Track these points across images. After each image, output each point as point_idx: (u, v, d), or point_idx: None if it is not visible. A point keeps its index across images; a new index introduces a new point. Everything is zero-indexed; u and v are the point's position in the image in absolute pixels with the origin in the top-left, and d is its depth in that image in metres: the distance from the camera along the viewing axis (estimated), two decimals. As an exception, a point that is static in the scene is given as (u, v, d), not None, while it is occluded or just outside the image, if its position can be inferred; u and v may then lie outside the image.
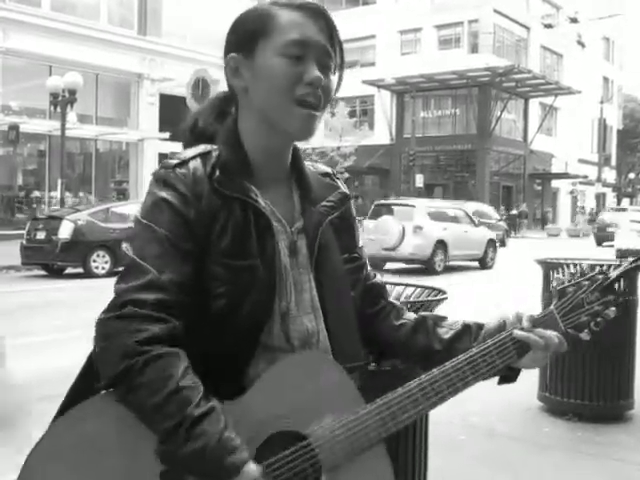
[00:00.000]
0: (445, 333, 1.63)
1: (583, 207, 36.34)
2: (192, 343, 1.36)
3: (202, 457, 1.26)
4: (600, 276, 1.56)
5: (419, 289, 3.10)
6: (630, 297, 5.42)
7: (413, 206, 18.66)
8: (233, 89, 1.52)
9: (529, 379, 5.84)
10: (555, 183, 52.15)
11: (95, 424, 1.32)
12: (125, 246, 1.40)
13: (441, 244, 17.86)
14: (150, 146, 27.04)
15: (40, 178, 25.84)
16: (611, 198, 61.74)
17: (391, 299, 1.74)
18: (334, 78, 1.50)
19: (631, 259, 1.63)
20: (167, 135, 25.67)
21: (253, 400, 1.35)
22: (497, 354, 1.49)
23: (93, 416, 1.33)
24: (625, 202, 64.56)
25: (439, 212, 19.20)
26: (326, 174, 1.66)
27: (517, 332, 1.50)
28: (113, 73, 26.55)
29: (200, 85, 15.02)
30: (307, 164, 1.61)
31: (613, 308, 1.55)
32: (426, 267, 17.72)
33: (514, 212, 42.04)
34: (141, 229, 1.40)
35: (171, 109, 26.60)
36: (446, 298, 2.92)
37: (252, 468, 1.29)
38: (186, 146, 1.53)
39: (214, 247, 1.40)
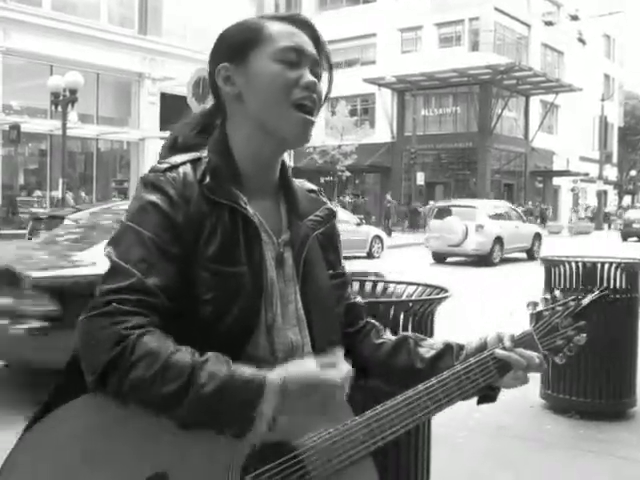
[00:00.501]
0: (426, 352, 1.63)
1: (577, 207, 36.54)
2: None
3: (222, 395, 1.24)
4: (572, 303, 1.60)
5: (421, 287, 3.10)
6: (632, 295, 5.42)
7: (475, 207, 21.53)
8: (220, 100, 1.53)
9: (532, 377, 5.85)
10: (556, 181, 52.13)
11: (80, 424, 1.29)
12: (108, 250, 1.37)
13: (498, 240, 20.63)
14: (151, 145, 27.04)
15: (41, 177, 25.87)
16: (612, 196, 61.70)
17: (369, 319, 1.74)
18: (323, 85, 1.52)
19: (601, 288, 1.68)
20: (168, 134, 25.58)
21: None
22: (480, 372, 1.51)
23: (78, 416, 1.30)
24: (626, 200, 64.58)
25: (495, 211, 22.10)
26: (312, 190, 1.66)
27: (499, 351, 1.53)
28: (114, 72, 26.56)
29: (201, 84, 14.97)
30: (295, 181, 1.62)
31: (584, 335, 1.61)
32: (484, 260, 20.23)
33: (524, 209, 42.10)
34: (126, 232, 1.38)
35: (172, 108, 26.56)
36: (448, 297, 2.91)
37: (274, 378, 1.27)
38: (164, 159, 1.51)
39: (201, 253, 1.39)
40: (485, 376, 1.51)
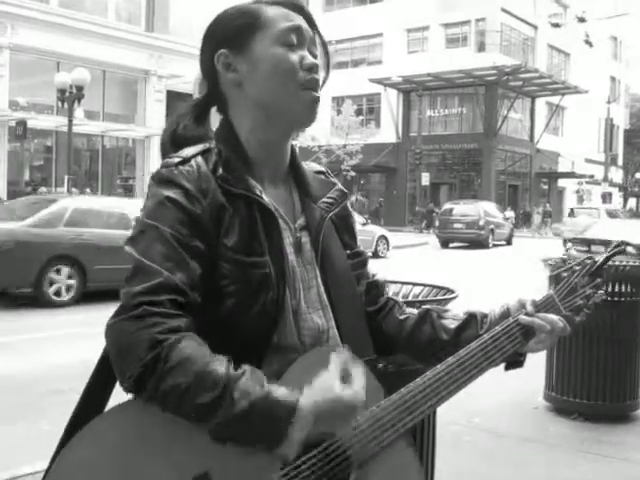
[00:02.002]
0: (450, 323, 1.64)
1: (572, 210, 36.79)
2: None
3: (253, 413, 1.23)
4: (588, 261, 1.61)
5: (427, 288, 3.10)
6: (636, 297, 5.42)
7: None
8: (218, 87, 1.52)
9: (535, 378, 5.85)
10: (561, 182, 52.02)
11: (118, 436, 1.28)
12: (128, 249, 1.35)
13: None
14: (157, 143, 26.88)
15: (47, 174, 25.87)
16: (617, 198, 61.55)
17: (390, 295, 1.75)
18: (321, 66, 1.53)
19: (616, 243, 1.68)
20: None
21: None
22: (506, 339, 1.51)
23: (115, 428, 1.29)
24: (632, 202, 64.40)
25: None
26: (321, 172, 1.66)
27: (523, 317, 1.53)
28: (120, 69, 26.55)
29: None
30: (302, 162, 1.61)
31: (601, 291, 1.60)
32: None
33: (539, 211, 42.05)
34: (145, 229, 1.35)
35: (178, 106, 26.59)
36: (455, 297, 2.91)
37: (306, 403, 1.26)
38: (166, 155, 1.50)
39: (222, 245, 1.38)
40: (512, 342, 1.51)
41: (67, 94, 20.00)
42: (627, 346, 5.42)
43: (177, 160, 1.42)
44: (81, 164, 26.98)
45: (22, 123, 21.51)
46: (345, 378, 1.30)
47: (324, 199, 1.57)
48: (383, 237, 22.85)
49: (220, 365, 1.25)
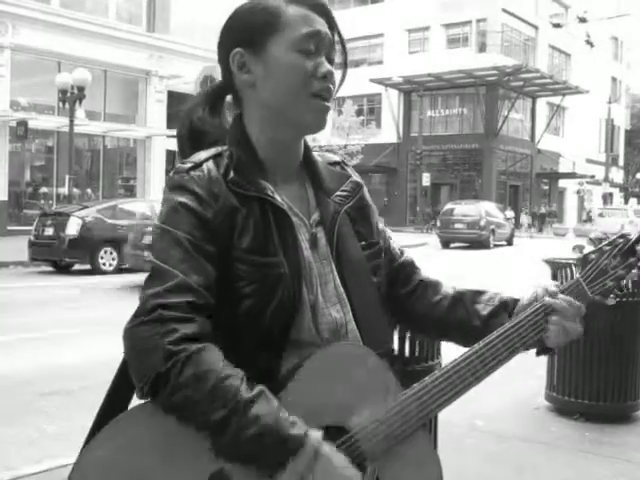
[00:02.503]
0: (483, 309, 1.61)
1: (589, 211, 36.95)
2: (221, 345, 1.34)
3: (262, 440, 1.25)
4: (620, 240, 1.55)
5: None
6: (638, 298, 5.42)
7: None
8: (232, 84, 1.51)
9: (536, 379, 5.85)
10: (562, 183, 52.03)
11: (137, 435, 1.31)
12: (147, 254, 1.40)
13: None
14: (158, 143, 27.08)
15: (48, 174, 25.90)
16: (618, 198, 61.53)
17: (424, 275, 1.73)
18: (337, 73, 1.52)
19: None
20: (175, 132, 25.63)
21: (293, 396, 1.34)
22: (530, 327, 1.48)
23: (135, 427, 1.32)
24: (632, 202, 64.37)
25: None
26: (336, 163, 1.65)
27: (546, 299, 1.49)
28: (121, 70, 26.58)
29: (208, 82, 15.05)
30: (315, 154, 1.61)
31: (636, 270, 1.55)
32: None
33: (543, 211, 42.08)
34: (161, 235, 1.39)
35: (179, 106, 26.59)
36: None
37: (315, 436, 1.28)
38: (185, 151, 1.53)
39: (236, 247, 1.40)
40: (535, 329, 1.48)
41: (68, 94, 20.03)
42: (628, 346, 5.42)
43: (188, 166, 1.44)
44: (82, 164, 27.01)
45: (23, 123, 21.55)
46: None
47: (338, 192, 1.56)
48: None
49: (233, 382, 1.27)
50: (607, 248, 1.55)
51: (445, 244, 29.17)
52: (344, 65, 1.56)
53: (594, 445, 4.96)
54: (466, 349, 1.47)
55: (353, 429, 1.36)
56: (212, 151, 1.48)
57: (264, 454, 1.26)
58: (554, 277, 5.70)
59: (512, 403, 5.91)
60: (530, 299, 1.56)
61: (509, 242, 31.20)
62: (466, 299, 1.65)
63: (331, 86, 1.47)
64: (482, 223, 28.65)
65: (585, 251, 1.59)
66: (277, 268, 1.40)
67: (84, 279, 14.66)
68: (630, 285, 5.31)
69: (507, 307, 1.60)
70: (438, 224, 30.51)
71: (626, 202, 60.67)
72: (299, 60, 1.43)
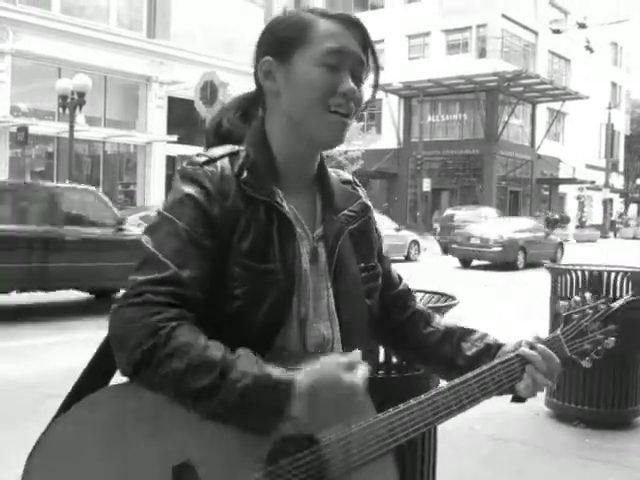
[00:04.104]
0: (469, 349, 1.65)
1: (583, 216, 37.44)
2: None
3: (254, 391, 1.26)
4: (603, 306, 1.60)
5: (428, 294, 3.10)
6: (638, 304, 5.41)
7: None
8: (262, 90, 1.53)
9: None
10: (562, 188, 52.05)
11: (107, 412, 1.31)
12: (145, 238, 1.39)
13: None
14: (158, 149, 27.11)
15: (48, 180, 25.90)
16: (618, 204, 61.56)
17: (419, 305, 1.76)
18: (367, 85, 1.52)
19: (633, 293, 1.68)
20: (175, 138, 25.73)
21: None
22: (504, 373, 1.52)
23: (105, 405, 1.32)
24: (633, 208, 64.39)
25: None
26: (348, 182, 1.66)
27: (523, 349, 1.54)
28: (122, 75, 26.61)
29: (208, 88, 15.03)
30: (330, 170, 1.62)
31: (612, 338, 1.60)
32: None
33: (556, 217, 42.18)
34: (163, 222, 1.39)
35: (179, 112, 26.66)
36: (456, 304, 2.92)
37: (302, 379, 1.28)
38: (209, 147, 1.53)
39: (235, 247, 1.40)
40: (510, 377, 1.52)
41: (68, 100, 20.04)
42: (629, 352, 5.41)
43: (203, 159, 1.44)
44: (82, 170, 26.98)
45: (23, 129, 21.55)
46: (349, 367, 1.31)
47: (345, 212, 1.57)
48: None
49: (217, 350, 1.28)
50: (590, 312, 1.60)
51: (445, 250, 29.10)
52: (375, 85, 1.56)
53: (594, 451, 4.95)
54: (444, 383, 1.50)
55: (321, 442, 1.37)
56: (229, 148, 1.49)
57: (259, 405, 1.26)
58: (554, 282, 5.70)
59: (512, 408, 5.87)
60: (515, 346, 1.59)
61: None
62: (455, 337, 1.68)
63: (352, 104, 1.47)
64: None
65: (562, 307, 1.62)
66: (271, 275, 1.41)
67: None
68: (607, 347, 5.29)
69: (490, 352, 1.63)
70: (438, 230, 30.43)
71: (626, 208, 60.78)
72: (321, 75, 1.43)
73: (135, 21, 27.55)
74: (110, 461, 1.29)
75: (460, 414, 1.49)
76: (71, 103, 19.94)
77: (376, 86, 1.57)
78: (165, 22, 27.73)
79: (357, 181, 1.69)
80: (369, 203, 1.65)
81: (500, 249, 21.42)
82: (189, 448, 1.31)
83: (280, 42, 1.48)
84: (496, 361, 1.53)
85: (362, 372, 1.31)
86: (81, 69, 22.57)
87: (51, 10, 24.55)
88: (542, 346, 1.54)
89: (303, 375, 1.29)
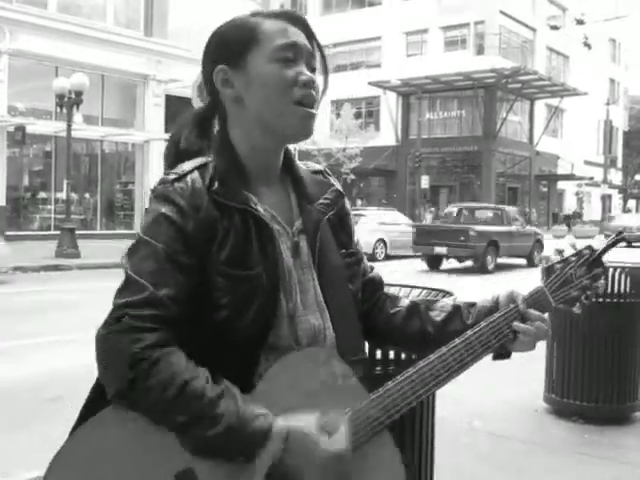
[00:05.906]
0: (437, 316, 1.67)
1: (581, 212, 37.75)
2: (197, 351, 1.38)
3: (228, 436, 1.31)
4: (586, 251, 1.60)
5: (425, 291, 3.09)
6: (636, 299, 5.41)
7: None
8: (219, 100, 1.54)
9: (535, 380, 5.84)
10: (561, 184, 52.07)
11: (107, 434, 1.35)
12: (124, 262, 1.42)
13: None
14: (156, 147, 27.07)
15: (46, 179, 25.88)
16: (617, 200, 61.59)
17: (386, 289, 1.78)
18: (320, 80, 1.55)
19: (617, 232, 1.66)
20: (167, 140, 25.67)
21: (260, 396, 1.38)
22: (493, 335, 1.52)
23: (105, 427, 1.36)
24: (631, 204, 64.43)
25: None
26: (319, 172, 1.68)
27: (516, 324, 1.53)
28: (119, 74, 26.58)
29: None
30: (299, 163, 1.64)
31: (602, 281, 1.60)
32: None
33: (568, 213, 42.32)
34: (139, 245, 1.42)
35: (177, 110, 26.60)
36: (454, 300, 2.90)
37: (279, 427, 1.33)
38: (168, 167, 1.54)
39: (215, 258, 1.42)
40: (498, 338, 1.53)
41: (66, 99, 19.98)
42: (627, 348, 5.41)
43: (173, 177, 1.46)
44: (80, 169, 26.98)
45: (21, 128, 21.55)
46: (329, 429, 1.36)
47: (321, 200, 1.59)
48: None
49: (199, 383, 1.33)
50: (573, 259, 1.60)
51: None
52: (325, 72, 1.59)
53: (593, 447, 4.95)
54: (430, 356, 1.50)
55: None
56: (198, 161, 1.50)
57: (233, 449, 1.32)
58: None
59: (511, 404, 5.90)
60: (491, 306, 1.61)
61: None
62: (421, 308, 1.70)
63: (314, 93, 1.49)
64: None
65: (553, 259, 1.62)
66: (255, 281, 1.43)
67: (87, 283, 14.64)
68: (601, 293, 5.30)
69: (461, 313, 1.65)
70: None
71: (625, 204, 60.80)
72: (278, 69, 1.46)
73: (132, 19, 27.52)
74: (123, 473, 1.34)
75: (452, 379, 1.49)
76: (68, 102, 19.89)
77: (326, 72, 1.59)
78: (162, 20, 27.71)
79: (328, 171, 1.72)
80: (341, 189, 1.67)
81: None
82: (193, 458, 1.34)
83: (231, 48, 1.50)
84: (482, 324, 1.53)
85: (341, 436, 1.36)
86: (78, 68, 22.55)
87: (48, 9, 24.52)
88: (527, 310, 1.54)
89: (282, 425, 1.33)
